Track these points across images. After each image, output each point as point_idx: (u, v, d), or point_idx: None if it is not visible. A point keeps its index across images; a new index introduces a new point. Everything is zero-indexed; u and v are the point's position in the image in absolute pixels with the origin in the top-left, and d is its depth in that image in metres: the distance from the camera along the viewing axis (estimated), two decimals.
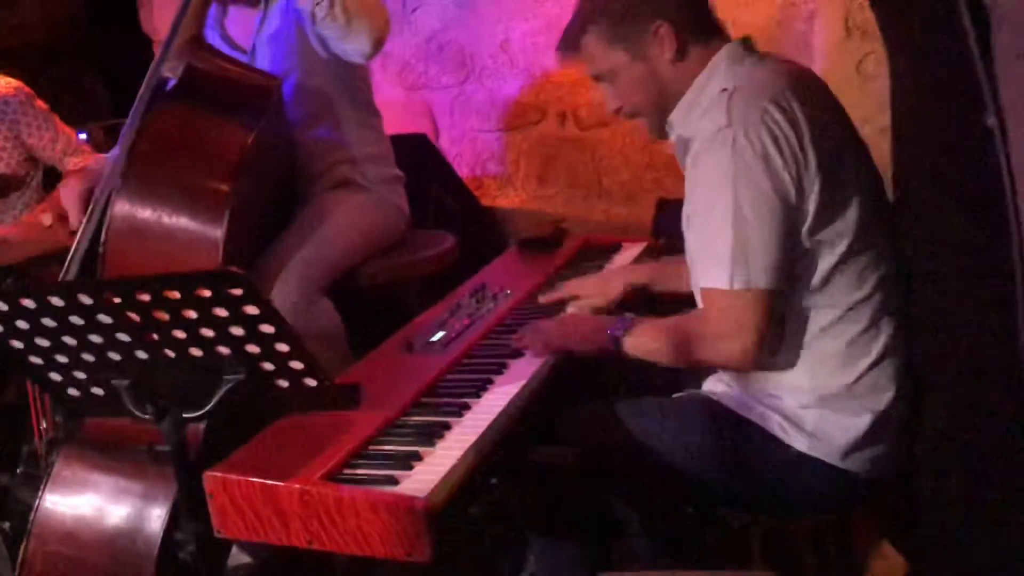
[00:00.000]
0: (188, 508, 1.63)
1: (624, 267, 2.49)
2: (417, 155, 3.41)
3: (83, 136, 3.77)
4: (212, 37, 2.77)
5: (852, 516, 2.11)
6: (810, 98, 1.80)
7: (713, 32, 1.93)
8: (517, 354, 2.04)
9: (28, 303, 1.50)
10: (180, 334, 1.50)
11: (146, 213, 2.22)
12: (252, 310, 1.45)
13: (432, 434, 1.71)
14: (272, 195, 2.67)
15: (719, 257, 1.74)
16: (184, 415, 1.56)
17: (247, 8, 2.78)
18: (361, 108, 2.83)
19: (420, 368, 1.98)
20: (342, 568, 2.21)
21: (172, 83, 2.47)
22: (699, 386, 2.00)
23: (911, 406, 1.83)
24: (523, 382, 1.91)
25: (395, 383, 1.91)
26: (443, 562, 1.53)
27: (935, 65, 1.55)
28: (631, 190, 3.38)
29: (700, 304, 1.87)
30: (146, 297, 1.46)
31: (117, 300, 1.47)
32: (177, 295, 1.45)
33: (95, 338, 1.53)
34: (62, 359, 1.59)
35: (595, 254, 2.72)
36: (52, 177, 3.43)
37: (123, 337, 1.52)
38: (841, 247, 1.78)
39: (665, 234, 2.75)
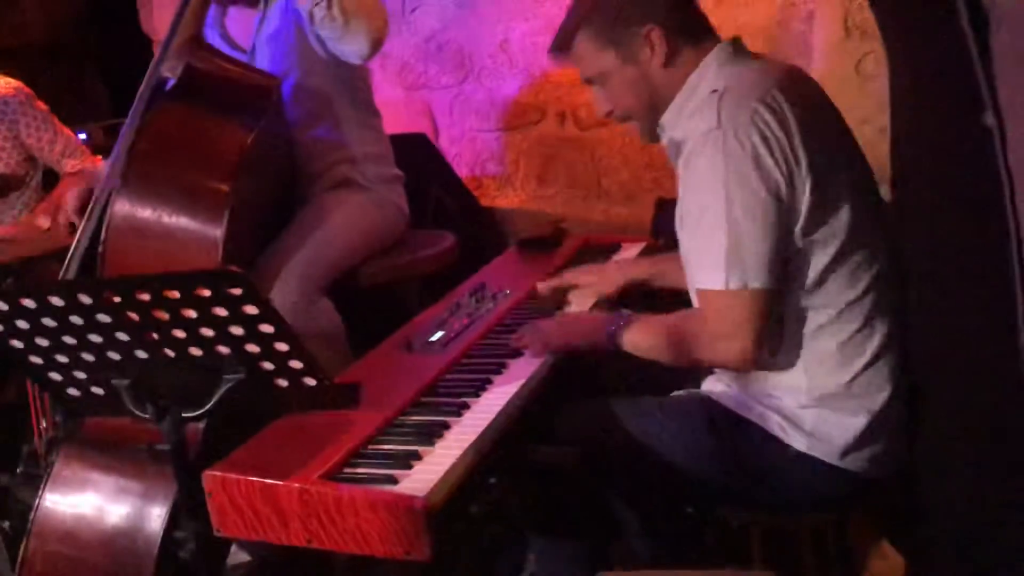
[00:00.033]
0: (188, 507, 1.63)
1: (624, 261, 2.50)
2: (417, 155, 3.42)
3: (83, 136, 3.78)
4: (212, 37, 2.77)
5: (852, 516, 2.11)
6: (800, 98, 1.80)
7: (704, 33, 1.93)
8: (516, 354, 2.04)
9: (28, 303, 1.51)
10: (180, 333, 1.50)
11: (146, 213, 2.22)
12: (252, 310, 1.45)
13: (431, 433, 1.71)
14: (272, 195, 2.67)
15: (714, 258, 1.75)
16: (184, 414, 1.56)
17: (247, 8, 2.79)
18: (361, 108, 2.83)
19: (419, 368, 1.98)
20: (341, 567, 2.22)
21: (172, 83, 2.47)
22: (698, 385, 2.00)
23: (908, 405, 1.84)
24: (522, 382, 1.91)
25: (394, 383, 1.91)
26: (442, 561, 1.53)
27: (934, 65, 1.55)
28: (630, 190, 3.38)
29: (697, 305, 1.87)
30: (146, 296, 1.46)
31: (117, 299, 1.47)
32: (177, 294, 1.45)
33: (95, 337, 1.53)
34: (62, 359, 1.59)
35: (595, 254, 2.71)
36: (51, 177, 3.44)
37: (123, 336, 1.52)
38: (834, 246, 1.78)
39: (664, 234, 2.75)
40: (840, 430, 1.81)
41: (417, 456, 1.64)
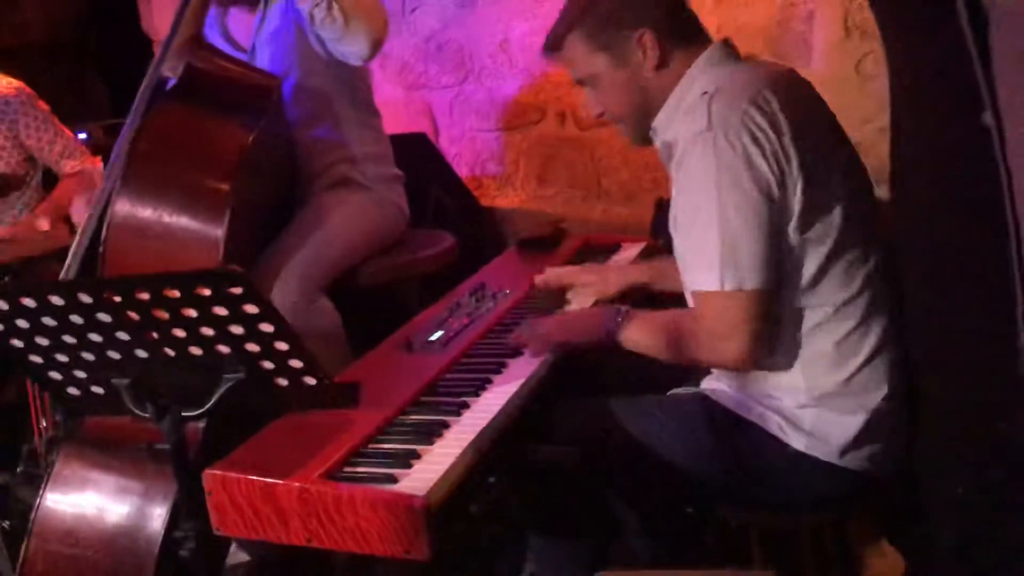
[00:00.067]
0: (187, 506, 1.63)
1: (624, 264, 2.50)
2: (417, 155, 3.42)
3: (83, 135, 3.78)
4: (214, 37, 2.77)
5: (851, 515, 2.11)
6: (791, 98, 1.81)
7: (695, 36, 1.94)
8: (516, 353, 2.04)
9: (28, 302, 1.51)
10: (180, 333, 1.50)
11: (146, 212, 2.22)
12: (252, 309, 1.46)
13: (431, 433, 1.71)
14: (272, 194, 2.67)
15: (708, 260, 1.75)
16: (184, 414, 1.56)
17: (248, 9, 2.79)
18: (361, 107, 2.84)
19: (419, 367, 1.98)
20: (341, 566, 2.22)
21: (172, 82, 2.47)
22: (698, 383, 2.00)
23: (907, 404, 1.84)
24: (522, 381, 1.91)
25: (394, 382, 1.91)
26: (441, 560, 1.53)
27: (934, 65, 1.55)
28: (630, 190, 3.38)
29: (692, 306, 1.87)
30: (146, 296, 1.46)
31: (117, 299, 1.47)
32: (177, 294, 1.45)
33: (95, 337, 1.53)
34: (62, 358, 1.59)
35: (595, 254, 2.72)
36: (52, 177, 3.44)
37: (123, 336, 1.52)
38: (828, 245, 1.78)
39: (664, 234, 2.74)
40: (838, 429, 1.81)
41: (417, 455, 1.64)
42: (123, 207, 2.23)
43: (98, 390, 1.63)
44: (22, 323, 1.54)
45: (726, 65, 1.89)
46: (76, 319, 1.51)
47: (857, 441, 1.81)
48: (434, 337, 2.11)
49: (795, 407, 1.83)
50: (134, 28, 4.07)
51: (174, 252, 2.20)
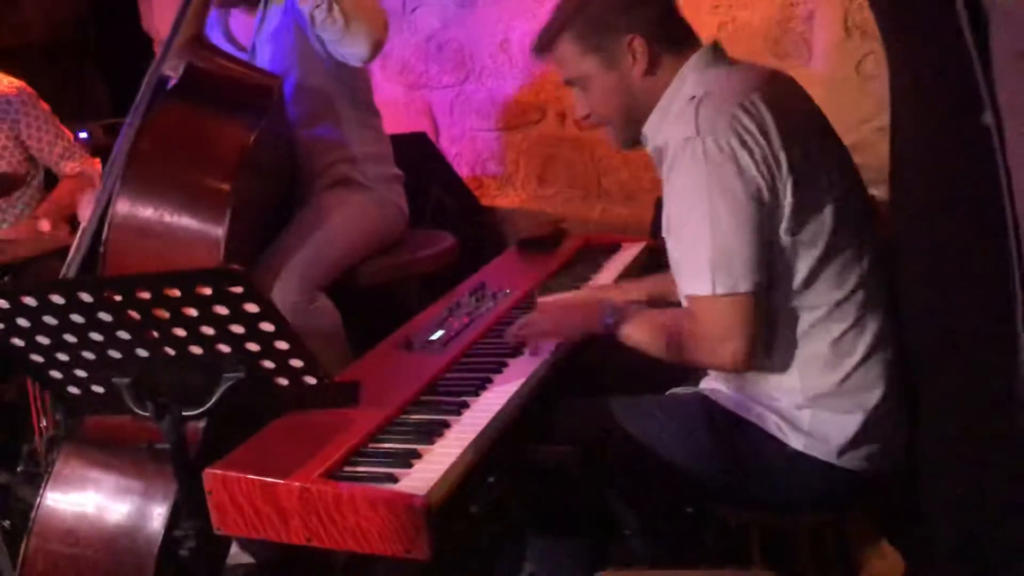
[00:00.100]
0: (187, 505, 1.64)
1: (621, 285, 2.47)
2: (417, 154, 3.42)
3: (84, 135, 3.78)
4: (215, 37, 2.77)
5: (851, 515, 2.11)
6: (778, 99, 1.81)
7: (685, 41, 1.94)
8: (516, 353, 2.04)
9: (29, 301, 1.51)
10: (180, 332, 1.50)
11: (147, 212, 2.22)
12: (252, 308, 1.46)
13: (431, 432, 1.71)
14: (273, 194, 2.67)
15: (700, 264, 1.75)
16: (184, 413, 1.56)
17: (248, 10, 2.79)
18: (361, 107, 2.84)
19: (419, 367, 1.98)
20: (341, 566, 2.22)
21: (173, 82, 2.47)
22: (697, 383, 2.00)
23: (904, 403, 1.84)
24: (522, 381, 1.91)
25: (394, 381, 1.91)
26: (441, 560, 1.53)
27: (934, 65, 1.55)
28: (630, 190, 3.39)
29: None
30: (146, 295, 1.46)
31: (118, 298, 1.47)
32: (177, 293, 1.45)
33: (96, 336, 1.53)
34: (63, 357, 1.59)
35: (595, 254, 2.72)
36: (54, 178, 3.44)
37: (123, 335, 1.52)
38: (820, 247, 1.79)
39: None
40: (837, 429, 1.81)
41: (417, 455, 1.64)
42: (124, 206, 2.23)
43: (99, 389, 1.63)
44: (23, 322, 1.54)
45: (714, 69, 1.89)
46: (77, 318, 1.51)
47: (855, 441, 1.81)
48: (434, 337, 2.11)
49: (793, 407, 1.84)
50: (134, 28, 4.07)
51: (175, 251, 2.20)
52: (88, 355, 1.57)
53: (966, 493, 1.62)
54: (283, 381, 1.56)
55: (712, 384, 1.96)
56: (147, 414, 1.56)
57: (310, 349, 1.52)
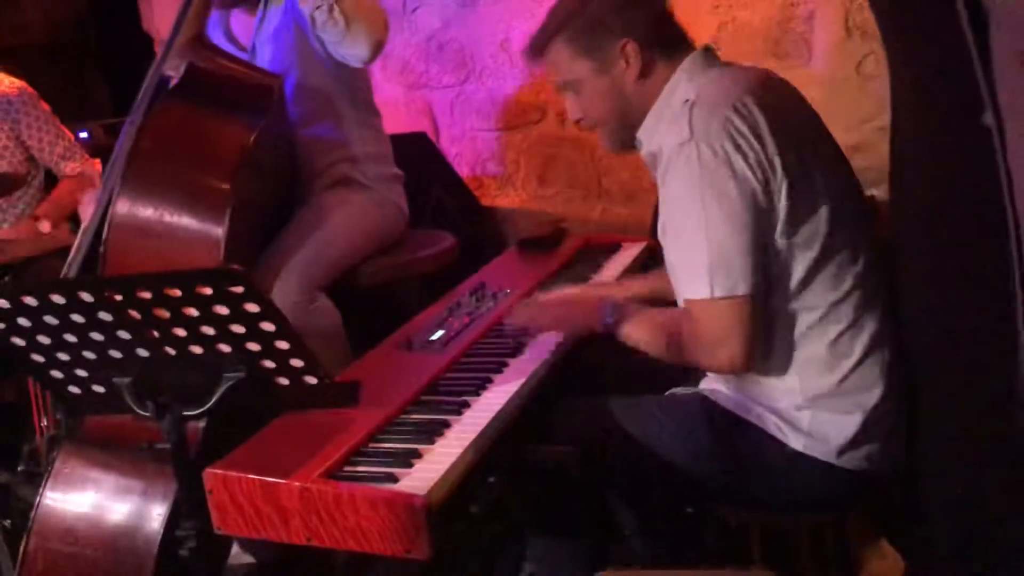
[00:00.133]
0: (188, 505, 1.64)
1: (622, 282, 2.48)
2: (417, 154, 3.42)
3: (84, 134, 3.78)
4: (216, 37, 2.77)
5: (851, 515, 2.11)
6: (771, 101, 1.81)
7: (678, 45, 1.94)
8: (516, 353, 2.04)
9: (30, 300, 1.51)
10: (181, 332, 1.50)
11: (147, 211, 2.22)
12: (252, 308, 1.46)
13: (432, 432, 1.71)
14: (273, 194, 2.67)
15: (697, 268, 1.75)
16: (184, 412, 1.56)
17: (249, 11, 2.79)
18: (361, 107, 2.84)
19: (420, 366, 1.98)
20: (341, 566, 2.22)
21: (174, 82, 2.47)
22: (696, 383, 2.01)
23: (904, 403, 1.84)
24: (522, 381, 1.91)
25: (395, 381, 1.91)
26: (441, 560, 1.53)
27: (934, 65, 1.55)
28: (631, 190, 3.39)
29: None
30: (147, 295, 1.46)
31: (118, 298, 1.48)
32: (178, 293, 1.46)
33: (96, 336, 1.53)
34: (63, 356, 1.59)
35: (595, 254, 2.72)
36: (54, 177, 3.44)
37: (124, 335, 1.52)
38: (815, 248, 1.79)
39: None
40: (836, 429, 1.82)
41: (417, 454, 1.64)
42: (124, 206, 2.23)
43: (99, 389, 1.63)
44: (24, 322, 1.54)
45: (706, 73, 1.89)
46: (77, 318, 1.51)
47: (855, 441, 1.82)
48: (435, 336, 2.11)
49: (792, 408, 1.84)
50: (135, 27, 4.07)
51: (175, 251, 2.20)
52: (89, 355, 1.57)
53: (966, 493, 1.62)
54: (283, 381, 1.56)
55: (712, 384, 1.96)
56: (148, 414, 1.56)
57: (310, 349, 1.52)
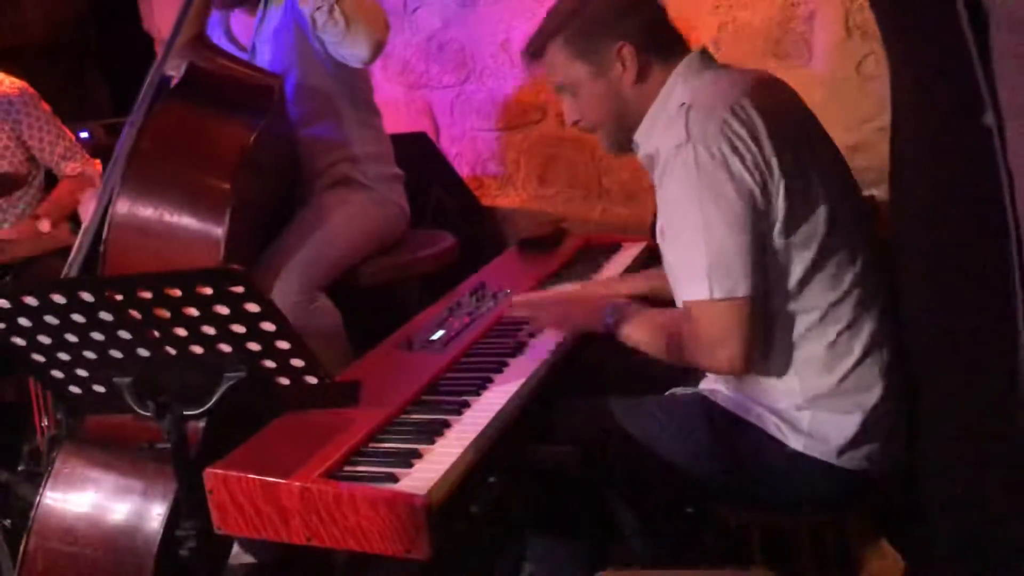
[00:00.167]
0: (188, 505, 1.64)
1: (622, 278, 2.48)
2: (417, 154, 3.42)
3: (85, 134, 3.78)
4: (217, 38, 2.77)
5: (851, 515, 2.11)
6: (768, 102, 1.81)
7: (674, 47, 1.94)
8: (517, 353, 2.04)
9: (30, 300, 1.51)
10: (181, 332, 1.50)
11: (147, 211, 2.23)
12: (253, 308, 1.46)
13: (432, 432, 1.71)
14: (273, 193, 2.67)
15: (696, 270, 1.76)
16: (185, 412, 1.56)
17: (249, 11, 2.79)
18: (361, 107, 2.84)
19: (420, 366, 1.98)
20: (341, 565, 2.22)
21: (175, 81, 2.47)
22: (696, 383, 2.01)
23: (904, 403, 1.84)
24: (522, 381, 1.91)
25: (395, 381, 1.91)
26: (441, 560, 1.53)
27: (934, 65, 1.55)
28: (631, 190, 3.39)
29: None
30: (147, 295, 1.46)
31: (119, 297, 1.48)
32: (178, 293, 1.46)
33: (97, 335, 1.53)
34: (64, 356, 1.59)
35: (595, 254, 2.72)
36: (54, 177, 3.44)
37: (124, 334, 1.52)
38: (813, 248, 1.79)
39: None
40: (836, 429, 1.82)
41: (417, 454, 1.64)
42: (124, 206, 2.23)
43: (100, 388, 1.63)
44: (24, 321, 1.54)
45: (703, 75, 1.90)
46: (78, 318, 1.51)
47: (855, 441, 1.82)
48: (435, 336, 2.11)
49: (792, 408, 1.84)
50: (135, 27, 4.07)
51: (175, 251, 2.20)
52: (89, 354, 1.57)
53: (966, 493, 1.62)
54: (284, 381, 1.56)
55: (712, 385, 1.96)
56: (148, 413, 1.56)
57: (311, 349, 1.52)
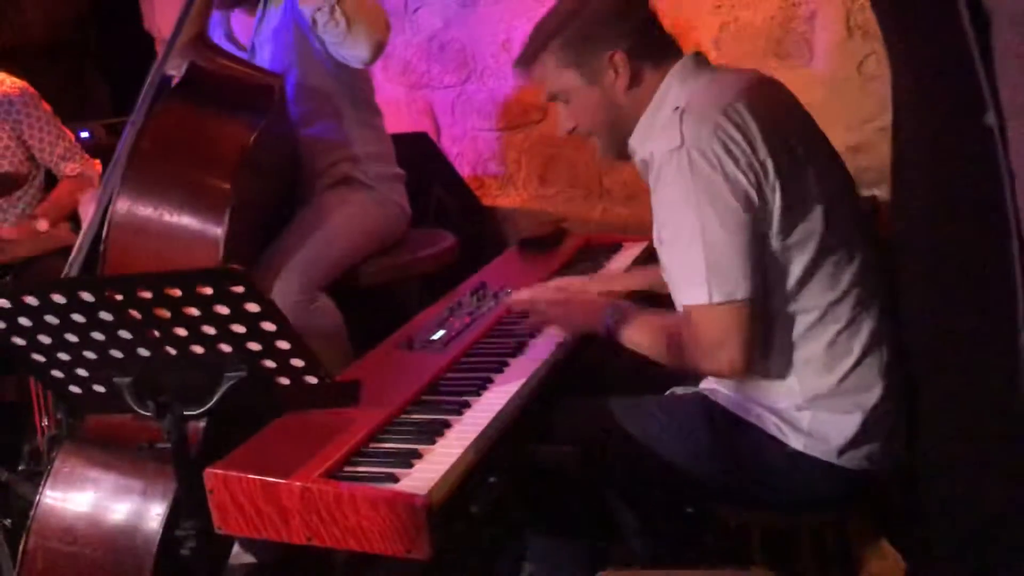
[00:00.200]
0: (188, 505, 1.64)
1: (624, 273, 2.49)
2: (418, 154, 3.42)
3: (85, 134, 3.78)
4: (217, 38, 2.77)
5: (851, 515, 2.11)
6: (762, 104, 1.81)
7: (666, 51, 1.94)
8: (517, 353, 2.04)
9: (31, 300, 1.51)
10: (181, 331, 1.50)
11: (148, 211, 2.22)
12: (253, 308, 1.46)
13: (432, 432, 1.71)
14: (274, 193, 2.67)
15: (695, 274, 1.76)
16: (185, 412, 1.56)
17: (249, 11, 2.79)
18: (362, 107, 2.84)
19: (420, 366, 1.98)
20: (341, 566, 2.22)
21: (175, 81, 2.47)
22: (696, 383, 2.01)
23: (904, 402, 1.84)
24: (523, 381, 1.91)
25: (395, 381, 1.91)
26: (441, 560, 1.53)
27: (935, 65, 1.55)
28: (632, 190, 3.38)
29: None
30: (147, 295, 1.46)
31: (119, 297, 1.48)
32: (178, 293, 1.45)
33: (97, 335, 1.53)
34: (64, 356, 1.59)
35: (595, 254, 2.72)
36: (54, 177, 3.44)
37: (125, 334, 1.52)
38: (811, 248, 1.79)
39: None
40: (836, 429, 1.82)
41: (418, 454, 1.64)
42: (124, 205, 2.23)
43: (100, 388, 1.63)
44: (24, 321, 1.54)
45: (696, 78, 1.90)
46: (78, 317, 1.51)
47: (855, 440, 1.82)
48: (435, 336, 2.11)
49: (792, 409, 1.84)
50: (135, 27, 4.07)
51: (174, 251, 2.20)
52: (89, 354, 1.57)
53: (966, 493, 1.62)
54: (284, 380, 1.56)
55: (712, 384, 1.96)
56: (148, 413, 1.56)
57: (311, 349, 1.52)
